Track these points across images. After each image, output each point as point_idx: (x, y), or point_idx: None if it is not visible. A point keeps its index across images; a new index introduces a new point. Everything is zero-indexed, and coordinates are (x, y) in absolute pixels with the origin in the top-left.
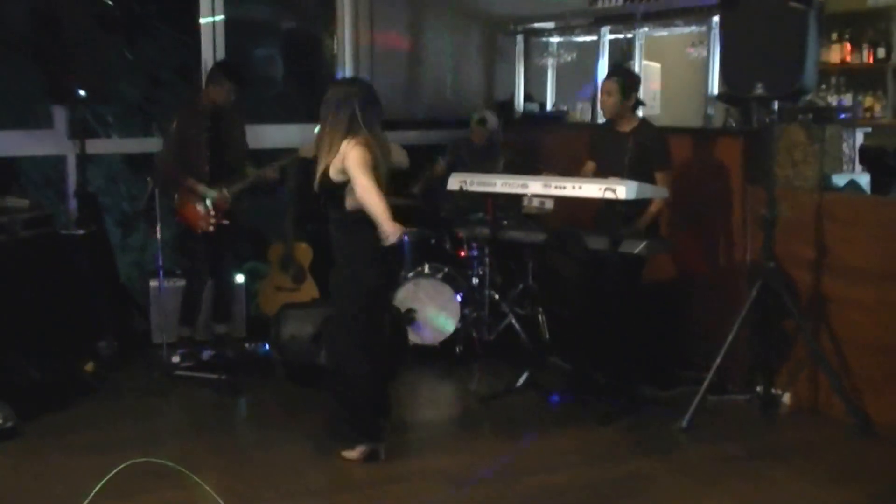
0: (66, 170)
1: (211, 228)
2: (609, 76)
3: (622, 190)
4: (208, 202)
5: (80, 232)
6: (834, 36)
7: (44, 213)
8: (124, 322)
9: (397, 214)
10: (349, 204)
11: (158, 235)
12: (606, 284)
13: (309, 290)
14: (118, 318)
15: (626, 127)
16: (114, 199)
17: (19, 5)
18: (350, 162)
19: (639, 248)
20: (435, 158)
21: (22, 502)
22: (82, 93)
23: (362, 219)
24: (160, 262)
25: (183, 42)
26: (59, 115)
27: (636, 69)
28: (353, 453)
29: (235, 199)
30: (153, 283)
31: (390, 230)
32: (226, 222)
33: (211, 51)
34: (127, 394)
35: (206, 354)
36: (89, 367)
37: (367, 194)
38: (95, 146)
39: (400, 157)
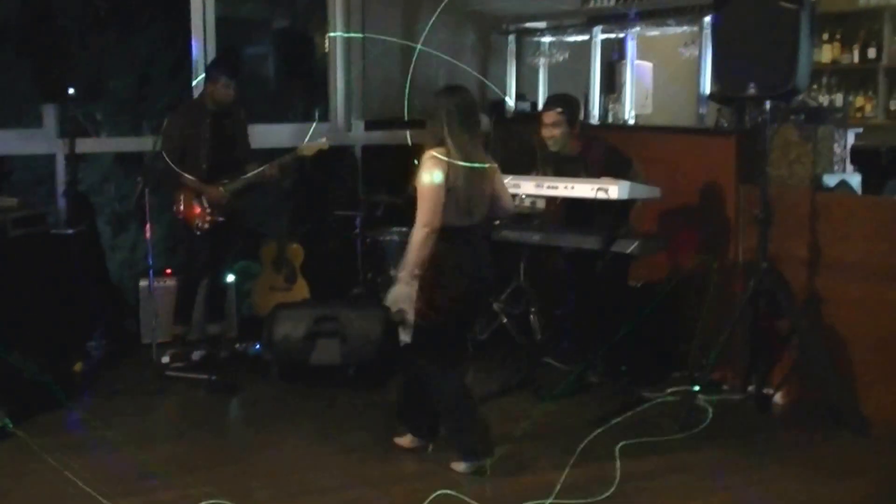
0: (56, 169)
1: (206, 226)
2: (551, 106)
3: (614, 190)
4: (205, 200)
5: (71, 231)
6: (825, 36)
7: (34, 212)
8: (115, 322)
9: (389, 214)
10: None
11: (149, 235)
12: (598, 283)
13: (301, 290)
14: (108, 318)
15: (575, 151)
16: (104, 198)
17: (9, 3)
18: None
19: (631, 247)
20: None
21: (11, 502)
22: (72, 91)
23: (442, 232)
24: (151, 262)
25: (174, 40)
26: (49, 113)
27: (629, 68)
28: (459, 465)
29: (235, 197)
30: (143, 283)
31: (396, 293)
32: (221, 219)
33: (202, 49)
34: (118, 394)
35: (198, 354)
36: (78, 366)
37: (415, 229)
38: (85, 145)
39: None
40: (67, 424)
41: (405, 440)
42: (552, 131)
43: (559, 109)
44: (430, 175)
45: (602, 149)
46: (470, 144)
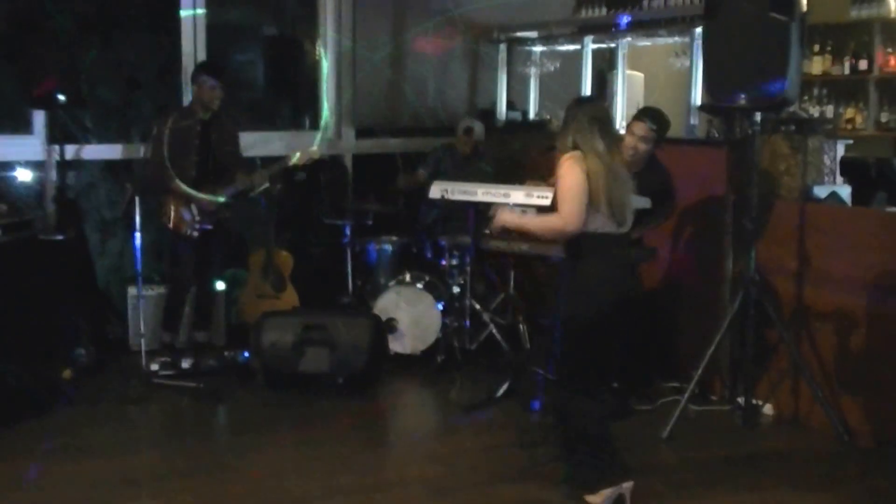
0: (45, 175)
1: (195, 233)
2: (646, 119)
3: None
4: (194, 207)
5: (59, 237)
6: (816, 47)
7: (22, 217)
8: (102, 329)
9: (379, 222)
10: None
11: (137, 242)
12: None
13: (289, 298)
14: (96, 325)
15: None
16: (93, 205)
17: None
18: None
19: None
20: (415, 167)
21: None
22: (61, 97)
23: (584, 243)
24: (139, 269)
25: (163, 46)
26: (38, 120)
27: (619, 79)
28: (595, 498)
29: (223, 205)
30: (131, 291)
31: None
32: (209, 227)
33: (192, 55)
34: (105, 401)
35: (186, 362)
36: (66, 373)
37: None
38: (74, 151)
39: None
40: (51, 431)
41: (597, 497)
42: (638, 144)
43: (654, 126)
44: (570, 165)
45: (662, 172)
46: (604, 150)
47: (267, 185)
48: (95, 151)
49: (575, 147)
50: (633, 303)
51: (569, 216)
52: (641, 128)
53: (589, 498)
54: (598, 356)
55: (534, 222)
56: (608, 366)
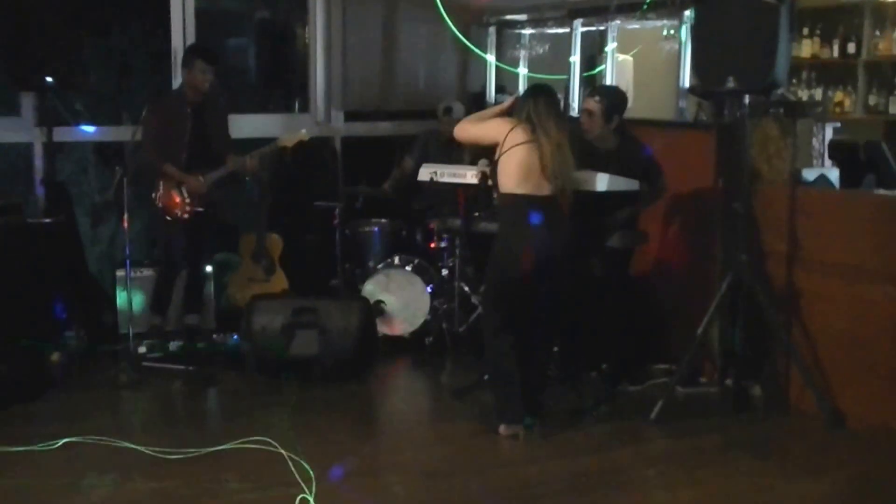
0: (33, 158)
1: (186, 216)
2: (593, 94)
3: (594, 182)
4: (184, 190)
5: (48, 221)
6: (805, 31)
7: (11, 201)
8: (92, 313)
9: (369, 205)
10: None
11: (126, 225)
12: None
13: (279, 282)
14: (86, 309)
15: (612, 146)
16: (83, 189)
17: None
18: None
19: (611, 240)
20: (402, 156)
21: None
22: (50, 80)
23: (504, 204)
24: (128, 252)
25: (154, 31)
26: (27, 102)
27: (609, 62)
28: (502, 429)
29: (214, 188)
30: (120, 274)
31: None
32: (200, 210)
33: (181, 39)
34: (95, 385)
35: (176, 345)
36: (55, 357)
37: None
38: (63, 134)
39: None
40: (41, 416)
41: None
42: (587, 119)
43: (597, 98)
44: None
45: (645, 153)
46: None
47: (257, 165)
48: (85, 134)
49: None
50: (551, 258)
51: (465, 122)
52: (588, 102)
53: (500, 428)
54: (514, 305)
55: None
56: (528, 313)
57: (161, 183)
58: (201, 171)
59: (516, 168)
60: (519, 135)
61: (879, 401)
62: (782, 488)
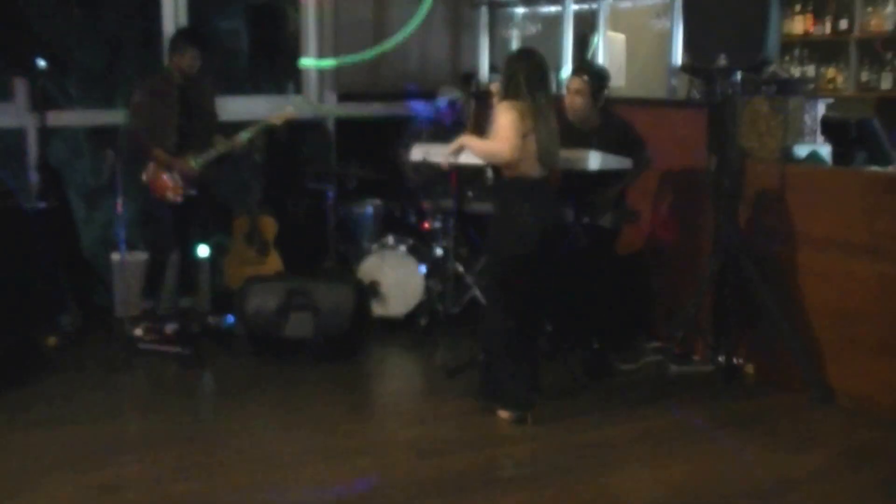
0: (26, 142)
1: (178, 199)
2: (579, 73)
3: (586, 161)
4: (176, 173)
5: (42, 205)
6: (797, 7)
7: (5, 186)
8: (87, 296)
9: (362, 186)
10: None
11: (120, 209)
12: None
13: (273, 264)
14: (81, 292)
15: (594, 125)
16: (78, 173)
17: None
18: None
19: (603, 219)
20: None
21: None
22: (42, 63)
23: (512, 186)
24: (122, 236)
25: (145, 12)
26: (19, 86)
27: (601, 41)
28: (503, 414)
29: (204, 170)
30: (115, 257)
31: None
32: (193, 192)
33: (172, 21)
34: (90, 368)
35: (170, 327)
36: (52, 341)
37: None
38: (56, 118)
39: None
40: (37, 398)
41: (504, 413)
42: (574, 99)
43: (585, 78)
44: (509, 112)
45: (618, 125)
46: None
47: (247, 143)
48: (78, 118)
49: (511, 96)
50: (552, 240)
51: (505, 142)
52: (574, 82)
53: (500, 412)
54: (522, 286)
55: (478, 144)
56: (533, 294)
57: (151, 166)
58: (192, 153)
59: (533, 153)
60: (528, 119)
61: (868, 375)
62: (773, 464)
